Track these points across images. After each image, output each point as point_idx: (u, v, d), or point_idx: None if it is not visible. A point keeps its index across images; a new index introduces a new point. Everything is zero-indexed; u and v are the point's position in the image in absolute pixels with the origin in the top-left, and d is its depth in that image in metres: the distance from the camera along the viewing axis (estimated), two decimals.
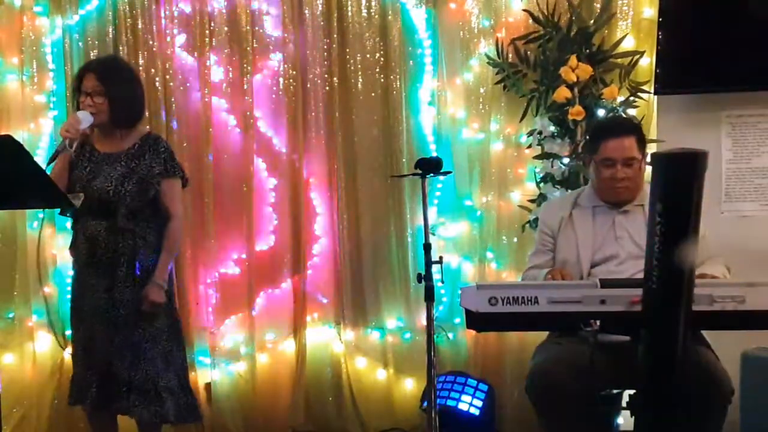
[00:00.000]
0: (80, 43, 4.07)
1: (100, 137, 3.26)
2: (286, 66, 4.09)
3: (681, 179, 2.04)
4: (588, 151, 3.09)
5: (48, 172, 3.04)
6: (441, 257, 3.07)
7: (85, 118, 3.12)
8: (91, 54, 4.05)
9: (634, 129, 3.04)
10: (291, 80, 4.09)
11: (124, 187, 3.15)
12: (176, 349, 3.28)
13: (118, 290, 3.15)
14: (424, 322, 3.16)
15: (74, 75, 3.41)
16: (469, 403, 3.77)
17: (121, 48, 4.02)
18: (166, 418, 3.22)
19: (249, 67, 4.08)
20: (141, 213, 3.19)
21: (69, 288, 3.46)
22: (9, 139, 2.66)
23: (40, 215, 4.07)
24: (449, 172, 3.43)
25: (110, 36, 4.05)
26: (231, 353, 4.12)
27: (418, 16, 4.04)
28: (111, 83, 3.18)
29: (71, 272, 3.43)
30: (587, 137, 3.20)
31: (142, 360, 3.16)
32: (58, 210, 3.35)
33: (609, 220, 3.03)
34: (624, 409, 2.79)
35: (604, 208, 3.05)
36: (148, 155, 3.21)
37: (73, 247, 3.28)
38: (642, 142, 3.01)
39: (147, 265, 3.19)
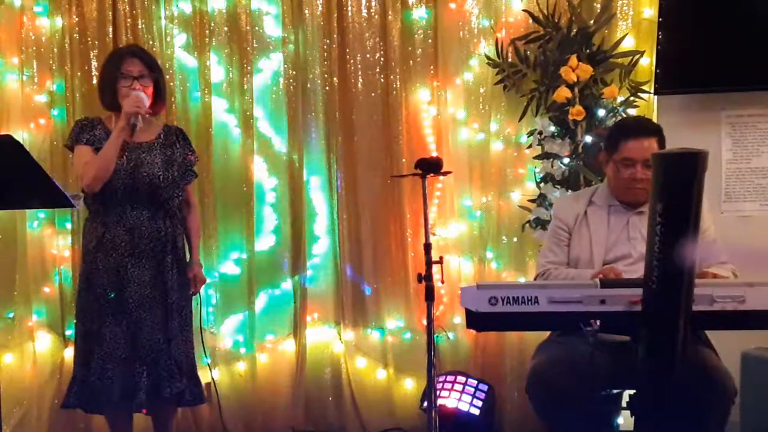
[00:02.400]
0: (80, 44, 4.07)
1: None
2: (286, 66, 4.09)
3: (681, 179, 2.04)
4: (607, 149, 3.08)
5: (75, 150, 3.23)
6: (441, 257, 3.07)
7: (144, 97, 3.18)
8: (91, 54, 4.05)
9: (655, 131, 3.03)
10: (291, 80, 4.09)
11: (171, 173, 3.27)
12: (191, 331, 3.42)
13: (168, 277, 3.24)
14: (424, 322, 3.16)
15: (105, 62, 3.36)
16: (469, 403, 3.77)
17: None
18: (202, 398, 3.44)
19: (249, 67, 4.08)
20: (179, 199, 3.35)
21: (79, 285, 3.34)
22: (9, 139, 2.66)
23: (40, 215, 4.10)
24: (449, 172, 3.43)
25: (110, 36, 4.05)
26: (231, 353, 4.13)
27: (418, 16, 4.04)
28: (154, 68, 3.30)
29: (93, 268, 3.26)
30: (606, 135, 3.18)
31: (186, 343, 3.32)
32: (80, 203, 3.34)
33: (623, 221, 3.03)
34: (624, 409, 2.79)
35: (619, 208, 3.05)
36: (179, 144, 3.36)
37: (104, 241, 3.21)
38: (662, 144, 3.00)
39: (183, 250, 3.36)
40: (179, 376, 3.25)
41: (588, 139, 3.75)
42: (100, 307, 3.19)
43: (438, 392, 3.59)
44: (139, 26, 4.04)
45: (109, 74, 3.26)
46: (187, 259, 3.40)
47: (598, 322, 2.39)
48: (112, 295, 3.17)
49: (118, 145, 3.15)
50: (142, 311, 3.19)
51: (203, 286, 3.50)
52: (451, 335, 4.03)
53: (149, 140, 3.28)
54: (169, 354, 3.23)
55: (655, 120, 3.82)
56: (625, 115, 3.74)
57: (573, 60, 3.72)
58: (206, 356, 3.86)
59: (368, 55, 4.06)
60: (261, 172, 4.16)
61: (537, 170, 3.88)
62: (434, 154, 3.90)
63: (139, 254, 3.20)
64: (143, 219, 3.21)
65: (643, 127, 3.06)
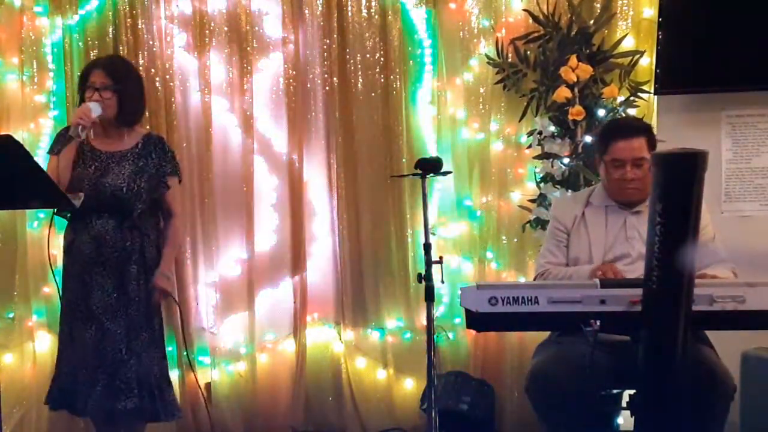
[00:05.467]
0: (80, 43, 4.06)
1: (100, 136, 3.28)
2: (286, 66, 4.09)
3: (681, 179, 2.04)
4: (597, 151, 3.09)
5: (48, 161, 3.19)
6: (441, 257, 3.07)
7: (95, 108, 3.15)
8: (91, 54, 4.04)
9: (644, 129, 3.04)
10: (291, 80, 4.09)
11: (136, 184, 3.21)
12: (162, 344, 3.34)
13: (131, 288, 3.20)
14: (424, 322, 3.16)
15: (79, 74, 3.42)
16: (469, 403, 3.77)
17: (121, 48, 4.02)
18: (175, 413, 3.33)
19: (249, 67, 4.08)
20: (148, 211, 3.27)
21: (60, 289, 3.35)
22: (9, 139, 2.66)
23: (41, 215, 4.10)
24: (449, 172, 3.43)
25: (110, 36, 4.05)
26: (231, 353, 4.12)
27: (418, 16, 4.04)
28: (119, 79, 3.24)
29: (66, 273, 3.33)
30: (596, 136, 3.19)
31: (146, 356, 3.22)
32: (53, 210, 3.33)
33: (621, 220, 3.04)
34: (624, 409, 2.79)
35: (615, 208, 3.06)
36: (155, 154, 3.30)
37: (73, 247, 3.25)
38: (652, 142, 3.01)
39: (153, 261, 3.27)
40: (137, 392, 3.16)
41: (588, 139, 3.75)
42: (71, 311, 3.22)
43: (438, 392, 3.59)
44: (139, 26, 4.04)
45: (81, 87, 3.31)
46: (160, 265, 3.29)
47: (598, 322, 2.40)
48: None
49: (68, 158, 3.16)
50: (105, 320, 3.17)
51: (165, 296, 3.32)
52: (451, 335, 4.03)
53: (123, 150, 3.26)
54: (132, 368, 3.16)
55: (655, 120, 3.83)
56: (624, 115, 3.74)
57: (573, 60, 3.71)
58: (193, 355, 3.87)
59: (368, 55, 4.05)
60: (261, 172, 4.16)
61: (537, 170, 3.88)
62: (434, 154, 3.89)
63: (104, 263, 3.18)
64: (108, 228, 3.19)
65: (630, 127, 3.07)
